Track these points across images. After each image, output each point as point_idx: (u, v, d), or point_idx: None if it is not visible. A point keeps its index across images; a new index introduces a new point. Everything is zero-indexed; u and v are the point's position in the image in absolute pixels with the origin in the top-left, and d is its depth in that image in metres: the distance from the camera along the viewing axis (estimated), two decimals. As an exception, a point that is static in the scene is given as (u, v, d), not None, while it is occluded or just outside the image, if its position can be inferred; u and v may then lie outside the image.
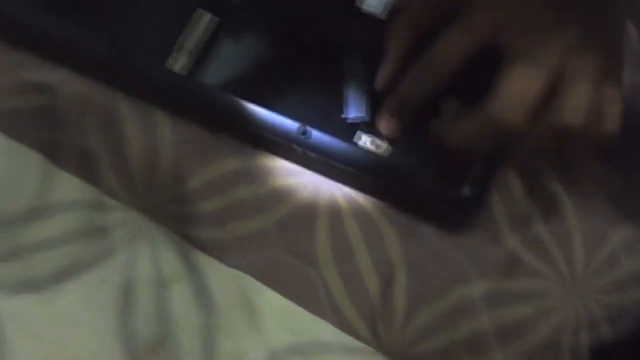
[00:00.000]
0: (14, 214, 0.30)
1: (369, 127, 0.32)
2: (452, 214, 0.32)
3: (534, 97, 0.27)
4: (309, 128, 0.31)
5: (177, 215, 0.31)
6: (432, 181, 0.31)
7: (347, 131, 0.31)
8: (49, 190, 0.31)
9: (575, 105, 0.27)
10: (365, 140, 0.31)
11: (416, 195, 0.31)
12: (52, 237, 0.30)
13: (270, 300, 0.30)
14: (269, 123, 0.31)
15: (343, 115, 0.32)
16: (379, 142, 0.31)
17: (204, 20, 0.33)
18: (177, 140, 0.32)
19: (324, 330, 0.30)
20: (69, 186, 0.31)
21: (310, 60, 0.33)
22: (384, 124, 0.31)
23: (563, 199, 0.33)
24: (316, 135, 0.31)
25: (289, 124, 0.31)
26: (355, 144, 0.31)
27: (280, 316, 0.30)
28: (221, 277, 0.31)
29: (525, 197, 0.33)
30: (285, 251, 0.31)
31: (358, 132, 0.32)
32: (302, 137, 0.31)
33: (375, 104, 0.32)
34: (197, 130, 0.33)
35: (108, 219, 0.31)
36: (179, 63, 0.32)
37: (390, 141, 0.31)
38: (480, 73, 0.28)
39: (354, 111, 0.32)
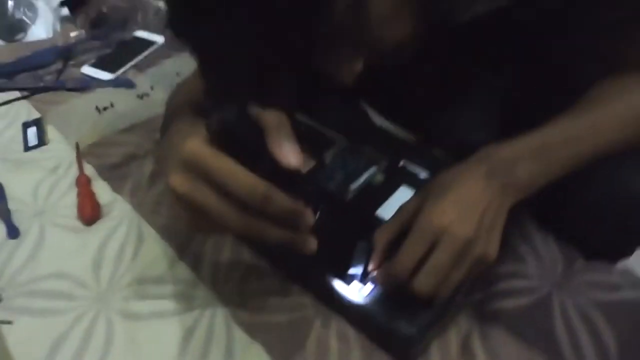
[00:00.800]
0: (151, 278, 0.55)
1: (362, 279, 0.51)
2: (400, 348, 0.48)
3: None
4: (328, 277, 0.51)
5: (231, 301, 0.53)
6: (389, 323, 0.48)
7: (348, 278, 0.51)
8: (171, 270, 0.55)
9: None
10: (354, 287, 0.50)
11: (376, 330, 0.49)
12: (163, 294, 0.53)
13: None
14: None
15: (349, 272, 0.52)
16: (362, 291, 0.50)
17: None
18: (250, 263, 0.56)
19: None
20: (182, 271, 0.55)
21: (336, 240, 0.54)
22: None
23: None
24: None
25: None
26: (345, 296, 0.50)
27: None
28: (243, 341, 0.50)
29: (457, 352, 0.48)
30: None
31: (354, 282, 0.51)
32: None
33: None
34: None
35: (196, 293, 0.53)
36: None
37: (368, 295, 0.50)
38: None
39: (354, 270, 0.52)
